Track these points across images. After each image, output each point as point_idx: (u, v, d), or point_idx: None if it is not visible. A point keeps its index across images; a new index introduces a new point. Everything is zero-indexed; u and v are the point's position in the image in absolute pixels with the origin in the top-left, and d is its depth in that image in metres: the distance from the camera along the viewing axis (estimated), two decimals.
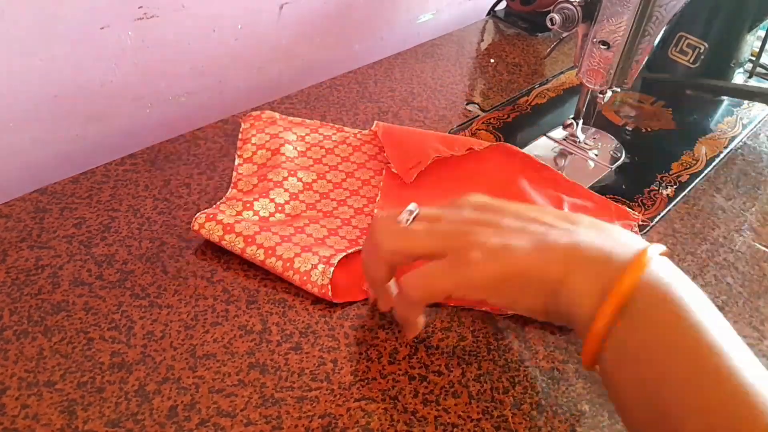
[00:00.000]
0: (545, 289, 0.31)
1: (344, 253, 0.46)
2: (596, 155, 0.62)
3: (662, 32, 0.51)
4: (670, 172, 0.61)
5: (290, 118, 0.60)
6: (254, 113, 0.60)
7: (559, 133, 0.64)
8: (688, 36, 0.69)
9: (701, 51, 0.68)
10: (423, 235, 0.36)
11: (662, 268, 0.30)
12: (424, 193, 0.53)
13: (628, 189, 0.58)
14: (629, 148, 0.64)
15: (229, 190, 0.52)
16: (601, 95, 0.58)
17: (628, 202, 0.57)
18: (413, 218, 0.37)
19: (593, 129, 0.64)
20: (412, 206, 0.37)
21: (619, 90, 0.57)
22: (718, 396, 0.26)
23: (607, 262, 0.30)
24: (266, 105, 0.65)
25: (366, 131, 0.60)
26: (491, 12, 0.92)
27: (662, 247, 0.31)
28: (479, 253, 0.32)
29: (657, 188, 0.59)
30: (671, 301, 0.29)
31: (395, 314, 0.41)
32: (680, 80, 0.72)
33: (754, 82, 0.78)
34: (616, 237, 0.32)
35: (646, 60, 0.53)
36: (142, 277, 0.45)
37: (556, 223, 0.33)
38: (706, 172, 0.62)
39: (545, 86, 0.74)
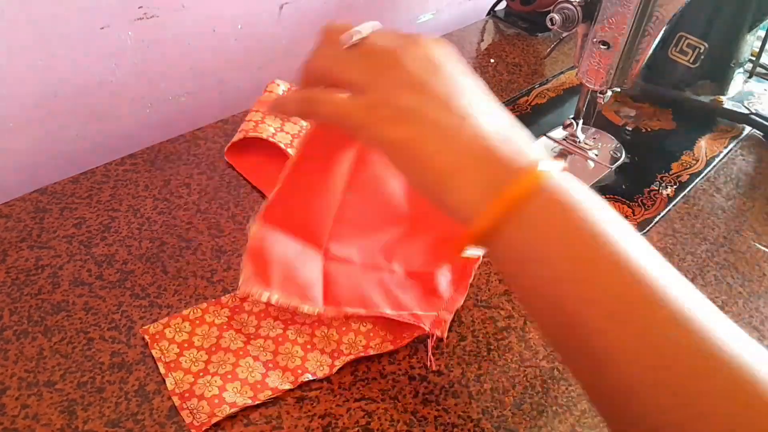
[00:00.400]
0: (435, 175, 0.31)
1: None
2: (596, 155, 0.62)
3: (662, 32, 0.51)
4: (670, 172, 0.61)
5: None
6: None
7: (559, 133, 0.64)
8: (688, 36, 0.69)
9: (701, 51, 0.68)
10: (353, 65, 0.34)
11: (556, 177, 0.30)
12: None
13: (628, 189, 0.58)
14: (629, 148, 0.64)
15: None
16: (601, 95, 0.58)
17: (628, 202, 0.57)
18: (357, 40, 0.34)
19: (593, 129, 0.64)
20: (367, 26, 0.35)
21: (619, 90, 0.57)
22: (613, 284, 0.27)
23: (501, 165, 0.30)
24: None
25: None
26: (491, 12, 0.92)
27: (561, 164, 0.31)
28: (392, 113, 0.32)
29: (657, 188, 0.59)
30: (563, 203, 0.29)
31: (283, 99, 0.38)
32: (670, 97, 0.72)
33: (754, 81, 0.78)
34: (517, 140, 0.32)
35: (646, 60, 0.53)
36: (142, 277, 0.45)
37: (474, 110, 0.33)
38: (706, 172, 0.62)
39: (545, 86, 0.74)
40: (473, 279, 0.45)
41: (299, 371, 0.40)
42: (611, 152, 0.63)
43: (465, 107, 0.32)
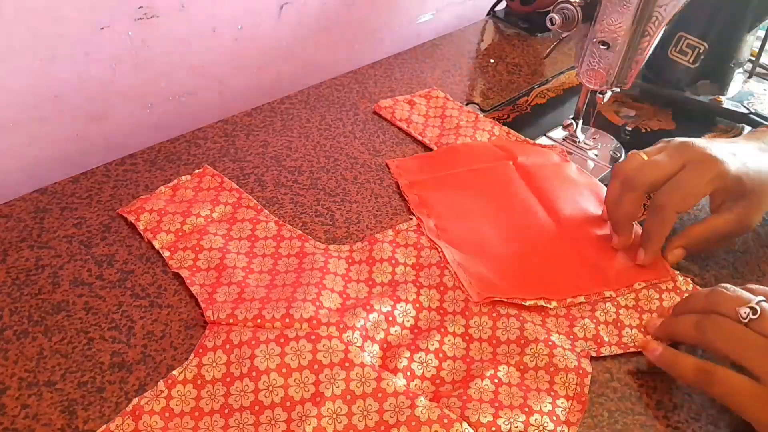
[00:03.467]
0: None
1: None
2: (596, 155, 0.62)
3: (662, 32, 0.51)
4: None
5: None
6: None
7: (559, 133, 0.65)
8: (688, 36, 0.69)
9: (701, 51, 0.68)
10: (755, 351, 0.35)
11: None
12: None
13: None
14: (629, 148, 0.63)
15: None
16: (600, 95, 0.58)
17: None
18: (756, 316, 0.36)
19: (593, 129, 0.64)
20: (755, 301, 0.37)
21: (618, 90, 0.57)
22: None
23: None
24: (266, 105, 0.66)
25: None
26: (491, 12, 0.92)
27: None
28: None
29: None
30: None
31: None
32: (671, 94, 0.72)
33: (754, 81, 0.78)
34: None
35: (646, 60, 0.53)
36: (142, 277, 0.45)
37: None
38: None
39: (545, 86, 0.74)
40: None
41: None
42: (611, 152, 0.63)
43: None
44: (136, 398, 0.36)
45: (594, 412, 0.39)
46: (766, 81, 0.79)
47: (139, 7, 0.58)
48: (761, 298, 0.37)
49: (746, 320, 0.36)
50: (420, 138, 0.62)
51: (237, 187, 0.53)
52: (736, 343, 0.36)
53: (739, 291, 0.38)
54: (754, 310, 0.36)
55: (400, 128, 0.64)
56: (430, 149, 0.61)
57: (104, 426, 0.35)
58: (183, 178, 0.53)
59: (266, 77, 0.75)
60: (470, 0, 0.98)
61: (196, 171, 0.54)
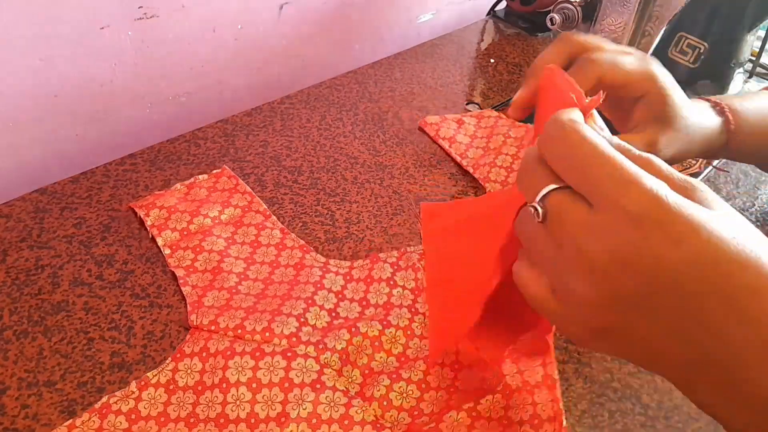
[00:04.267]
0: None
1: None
2: None
3: (662, 32, 0.51)
4: None
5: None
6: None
7: None
8: (688, 36, 0.69)
9: (701, 51, 0.68)
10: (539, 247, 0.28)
11: None
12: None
13: None
14: None
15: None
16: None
17: None
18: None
19: None
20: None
21: None
22: None
23: None
24: (266, 105, 0.65)
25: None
26: (491, 12, 0.92)
27: None
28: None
29: None
30: None
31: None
32: None
33: (754, 81, 0.78)
34: None
35: None
36: (142, 277, 0.45)
37: None
38: (706, 172, 0.62)
39: None
40: None
41: None
42: None
43: None
44: (106, 396, 0.37)
45: (594, 412, 0.39)
46: (766, 81, 0.79)
47: (139, 7, 0.58)
48: (552, 187, 0.26)
49: (538, 220, 0.27)
50: (458, 159, 0.59)
51: (250, 190, 0.53)
52: (532, 249, 0.28)
53: (535, 174, 0.27)
54: (538, 213, 0.27)
55: (441, 147, 0.61)
56: (463, 168, 0.58)
57: (70, 420, 0.35)
58: (200, 177, 0.53)
59: (266, 77, 0.75)
60: (470, 0, 0.98)
61: (215, 171, 0.54)
